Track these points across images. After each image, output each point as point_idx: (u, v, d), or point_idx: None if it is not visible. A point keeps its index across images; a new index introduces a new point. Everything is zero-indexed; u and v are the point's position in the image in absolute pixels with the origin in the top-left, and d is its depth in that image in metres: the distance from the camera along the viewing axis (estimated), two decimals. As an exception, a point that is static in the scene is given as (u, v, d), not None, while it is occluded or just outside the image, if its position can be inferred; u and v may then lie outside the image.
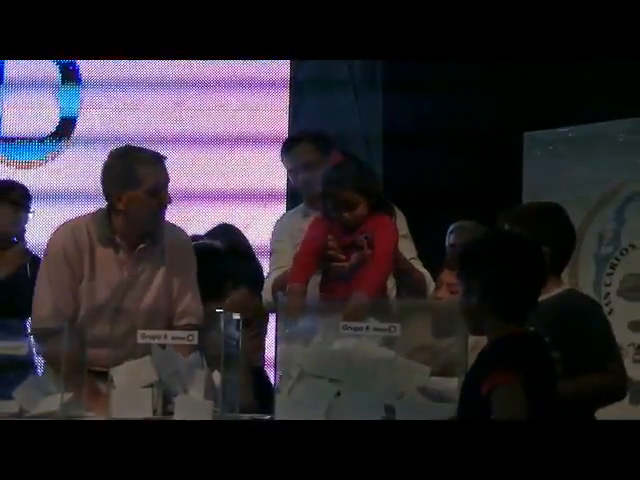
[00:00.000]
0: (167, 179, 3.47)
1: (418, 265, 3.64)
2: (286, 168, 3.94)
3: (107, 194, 3.47)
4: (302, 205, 3.89)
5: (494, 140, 4.88)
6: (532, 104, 4.91)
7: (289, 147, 3.88)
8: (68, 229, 3.52)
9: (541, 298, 2.60)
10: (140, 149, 3.53)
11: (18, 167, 6.02)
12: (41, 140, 6.05)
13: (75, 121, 6.06)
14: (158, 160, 3.47)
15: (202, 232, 4.70)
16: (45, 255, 3.54)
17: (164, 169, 3.47)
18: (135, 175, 3.40)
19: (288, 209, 5.66)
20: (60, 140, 6.04)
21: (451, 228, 4.77)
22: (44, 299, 3.45)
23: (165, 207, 3.48)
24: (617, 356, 3.03)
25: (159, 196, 3.44)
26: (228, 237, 4.56)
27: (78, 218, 3.61)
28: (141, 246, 3.47)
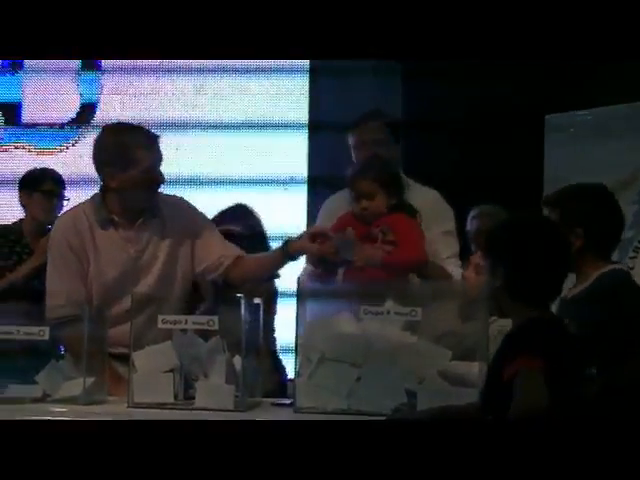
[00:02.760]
0: (160, 158, 3.46)
1: (453, 265, 3.62)
2: (350, 143, 3.84)
3: (101, 173, 3.47)
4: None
5: (515, 123, 4.87)
6: (553, 86, 4.89)
7: (359, 122, 3.83)
8: (68, 218, 3.55)
9: (580, 286, 2.58)
10: (134, 128, 3.51)
11: (39, 154, 6.07)
12: (61, 126, 6.09)
13: (95, 107, 6.10)
14: (152, 140, 3.46)
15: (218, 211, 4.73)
16: (50, 247, 3.56)
17: (158, 148, 3.46)
18: (129, 155, 3.39)
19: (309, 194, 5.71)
20: (80, 126, 6.08)
21: (474, 213, 4.75)
22: (56, 289, 3.45)
23: (159, 185, 3.48)
24: None
25: (153, 175, 3.44)
26: (243, 218, 4.56)
27: (76, 206, 3.64)
28: (140, 221, 3.48)
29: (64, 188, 4.76)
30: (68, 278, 3.45)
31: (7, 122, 6.15)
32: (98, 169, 3.48)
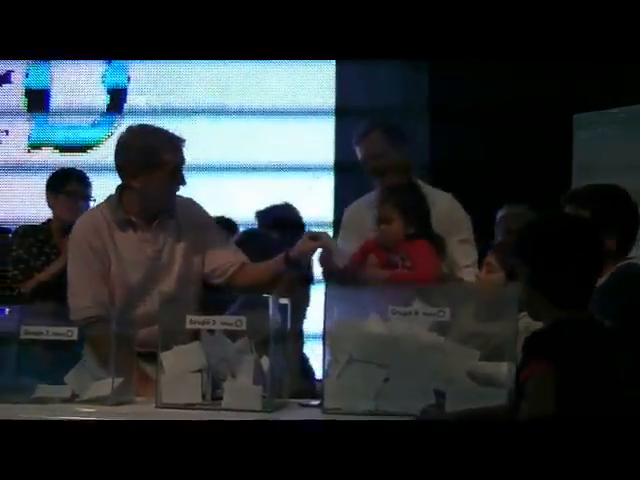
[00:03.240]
0: (184, 160, 3.50)
1: (471, 274, 3.63)
2: (359, 158, 3.91)
3: (123, 172, 3.50)
4: (373, 193, 3.88)
5: (543, 122, 4.84)
6: (581, 85, 4.85)
7: (360, 137, 3.88)
8: (88, 220, 3.57)
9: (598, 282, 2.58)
10: (160, 129, 3.54)
11: (74, 152, 6.12)
12: (94, 121, 6.14)
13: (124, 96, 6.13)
14: (177, 142, 3.50)
15: (262, 207, 4.74)
16: (70, 248, 3.57)
17: (182, 151, 3.50)
18: (155, 157, 3.43)
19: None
20: (112, 117, 6.12)
21: (503, 213, 4.73)
22: (81, 290, 3.46)
23: (179, 187, 3.51)
24: None
25: (176, 177, 3.47)
26: (284, 217, 4.58)
27: (94, 208, 3.69)
28: (157, 222, 3.51)
29: (90, 188, 4.78)
30: (92, 279, 3.46)
31: (34, 109, 6.21)
32: (121, 168, 3.50)
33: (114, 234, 3.49)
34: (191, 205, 3.64)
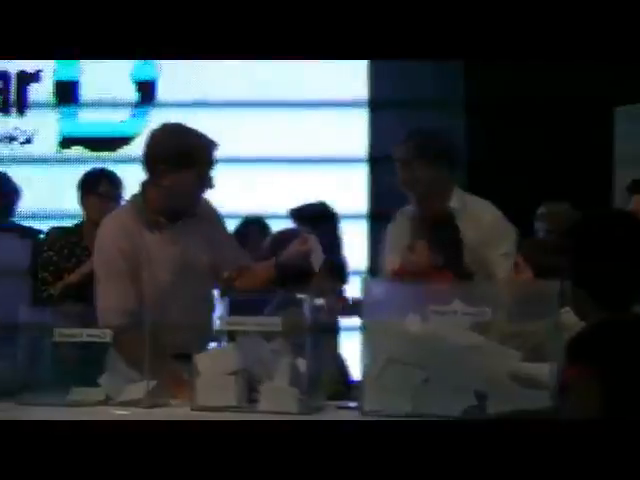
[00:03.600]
0: (214, 163, 3.47)
1: None
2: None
3: (153, 169, 3.45)
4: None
5: (585, 116, 4.78)
6: (623, 78, 4.78)
7: (397, 151, 3.82)
8: (116, 224, 3.50)
9: None
10: (193, 130, 3.49)
11: (104, 149, 6.13)
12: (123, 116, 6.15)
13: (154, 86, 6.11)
14: (210, 144, 3.47)
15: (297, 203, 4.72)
16: (98, 254, 3.51)
17: (214, 154, 3.47)
18: (189, 156, 3.40)
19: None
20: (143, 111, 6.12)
21: (543, 211, 4.67)
22: (110, 298, 3.39)
23: (206, 189, 3.49)
24: None
25: (205, 179, 3.45)
26: (319, 214, 4.55)
27: (118, 210, 3.65)
28: (181, 221, 3.48)
29: (121, 189, 4.75)
30: (120, 284, 3.40)
31: (64, 104, 6.24)
32: (151, 164, 3.46)
33: (144, 235, 3.45)
34: (207, 204, 3.60)
